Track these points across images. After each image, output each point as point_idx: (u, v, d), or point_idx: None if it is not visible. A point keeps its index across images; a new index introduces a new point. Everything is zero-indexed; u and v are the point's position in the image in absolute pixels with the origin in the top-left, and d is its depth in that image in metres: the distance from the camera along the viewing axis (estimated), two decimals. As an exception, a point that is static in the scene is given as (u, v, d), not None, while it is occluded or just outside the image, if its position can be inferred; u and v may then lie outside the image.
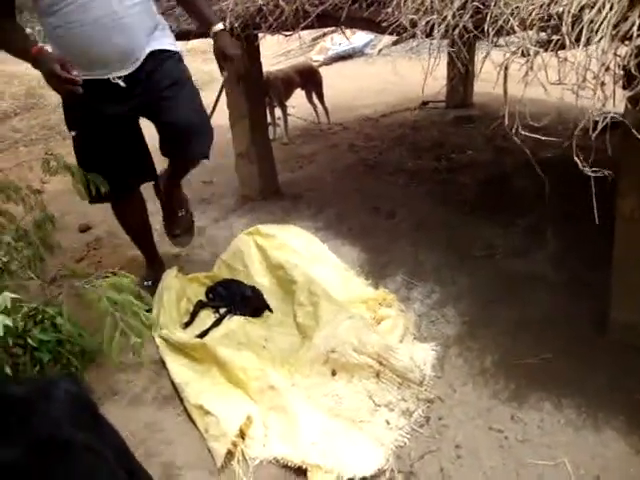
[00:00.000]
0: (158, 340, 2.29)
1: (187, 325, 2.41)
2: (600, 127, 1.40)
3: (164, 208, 2.76)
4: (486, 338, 2.21)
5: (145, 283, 2.59)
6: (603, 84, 1.47)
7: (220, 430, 1.85)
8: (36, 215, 2.01)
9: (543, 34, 1.65)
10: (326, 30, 6.93)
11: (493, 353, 2.13)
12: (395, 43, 2.29)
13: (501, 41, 1.84)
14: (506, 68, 1.65)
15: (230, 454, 1.80)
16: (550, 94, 1.60)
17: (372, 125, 4.62)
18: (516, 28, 1.68)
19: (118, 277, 1.77)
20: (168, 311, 2.42)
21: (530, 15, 1.66)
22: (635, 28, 1.31)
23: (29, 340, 1.34)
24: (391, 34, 2.09)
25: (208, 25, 2.27)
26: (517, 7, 1.71)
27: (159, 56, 2.25)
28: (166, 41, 2.30)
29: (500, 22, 1.73)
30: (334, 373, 2.05)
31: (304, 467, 1.72)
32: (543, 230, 2.82)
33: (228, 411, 1.92)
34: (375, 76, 5.76)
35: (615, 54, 1.43)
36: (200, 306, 2.47)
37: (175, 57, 2.31)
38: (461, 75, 4.42)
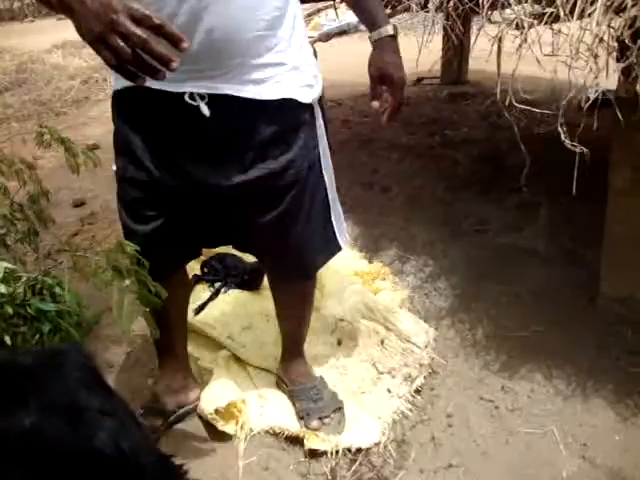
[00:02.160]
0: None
1: (183, 300, 2.42)
2: (591, 101, 1.41)
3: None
4: (478, 311, 2.23)
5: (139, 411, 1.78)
6: (597, 56, 1.48)
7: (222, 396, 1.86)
8: (30, 189, 2.00)
9: (537, 6, 1.66)
10: (320, 6, 6.88)
11: (485, 325, 2.16)
12: (389, 17, 2.28)
13: (496, 16, 1.84)
14: (500, 40, 1.66)
15: (234, 420, 1.80)
16: (544, 69, 1.62)
17: (366, 101, 4.56)
18: (511, 0, 1.68)
19: (121, 244, 1.75)
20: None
21: (525, -13, 1.66)
22: (629, -1, 1.32)
23: (29, 310, 1.35)
24: (385, 7, 2.09)
25: (371, 25, 1.47)
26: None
27: (281, 116, 1.38)
28: (298, 77, 1.39)
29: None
30: (340, 343, 2.08)
31: (301, 435, 1.73)
32: (536, 205, 2.85)
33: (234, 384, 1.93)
34: (370, 52, 5.66)
35: (609, 26, 1.44)
36: (195, 280, 2.48)
37: (308, 122, 1.44)
38: (456, 52, 4.40)
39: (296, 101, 1.38)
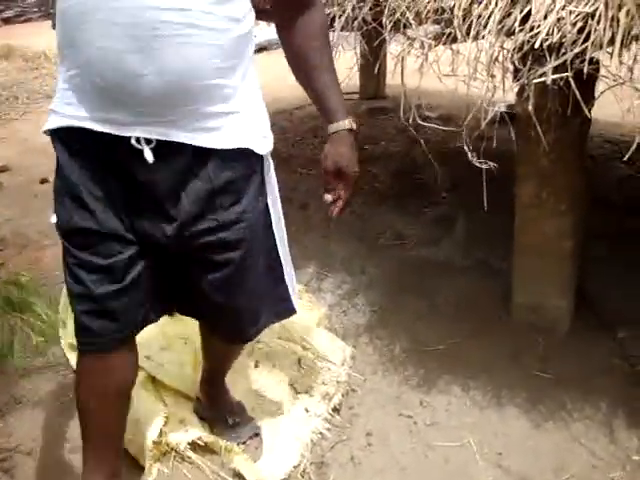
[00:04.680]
0: (67, 348, 2.19)
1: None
2: (489, 118, 1.45)
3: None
4: (396, 326, 2.25)
5: None
6: (493, 75, 1.53)
7: (140, 429, 1.79)
8: None
9: (437, 27, 1.70)
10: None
11: (403, 340, 2.18)
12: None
13: (411, 33, 1.87)
14: (402, 59, 1.69)
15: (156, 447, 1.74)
16: (447, 87, 1.66)
17: (286, 118, 4.61)
18: (412, 21, 1.72)
19: (17, 275, 1.69)
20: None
21: (425, 8, 1.70)
22: (517, 24, 1.37)
23: None
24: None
25: (329, 116, 1.38)
26: (413, 0, 1.75)
27: (234, 165, 1.31)
28: (253, 127, 1.34)
29: (397, 15, 1.77)
30: (257, 365, 2.06)
31: (229, 448, 1.71)
32: (453, 219, 2.91)
33: (147, 413, 1.86)
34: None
35: (502, 47, 1.49)
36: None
37: (258, 173, 1.37)
38: (372, 67, 4.47)
39: (251, 151, 1.32)
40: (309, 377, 1.99)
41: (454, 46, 1.64)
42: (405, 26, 1.73)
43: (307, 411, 1.88)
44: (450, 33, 1.60)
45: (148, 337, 2.08)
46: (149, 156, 1.22)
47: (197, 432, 1.77)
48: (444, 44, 1.60)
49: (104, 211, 1.29)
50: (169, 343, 2.09)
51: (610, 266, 2.42)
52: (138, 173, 1.26)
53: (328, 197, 1.41)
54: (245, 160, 1.33)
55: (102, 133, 1.22)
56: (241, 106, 1.29)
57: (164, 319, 2.19)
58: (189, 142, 1.24)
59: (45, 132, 1.32)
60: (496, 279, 2.42)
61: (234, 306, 1.45)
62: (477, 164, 1.59)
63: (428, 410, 1.90)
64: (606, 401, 1.88)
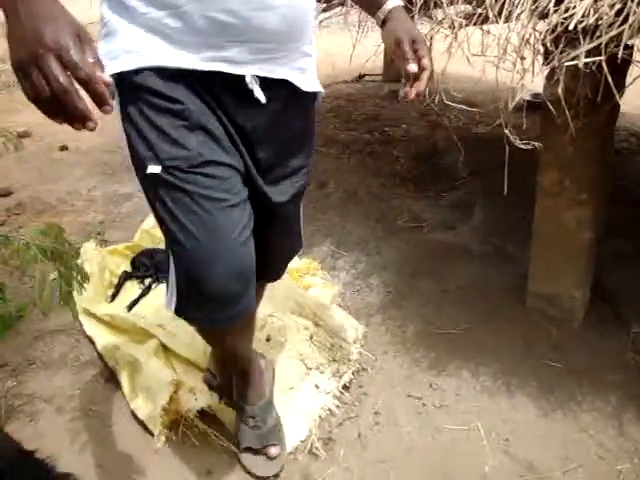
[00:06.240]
0: (81, 312, 2.20)
1: (113, 298, 2.34)
2: (516, 100, 1.43)
3: None
4: (409, 308, 2.25)
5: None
6: (523, 58, 1.51)
7: (150, 396, 1.81)
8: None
9: (468, 6, 1.67)
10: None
11: (415, 323, 2.18)
12: (325, 10, 2.28)
13: (439, 13, 1.85)
14: (431, 39, 1.67)
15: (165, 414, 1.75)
16: (475, 69, 1.63)
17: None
18: (443, 0, 1.69)
19: (46, 225, 1.66)
20: (92, 284, 2.33)
21: (457, -13, 1.68)
22: (551, 5, 1.34)
23: (-58, 303, 1.26)
24: (319, 0, 2.08)
25: (377, 2, 1.30)
26: (444, -21, 1.72)
27: (309, 111, 1.35)
28: (314, 73, 1.34)
29: (428, -7, 1.74)
30: (268, 339, 2.06)
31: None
32: (471, 204, 2.89)
33: (158, 381, 1.88)
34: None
35: (534, 29, 1.47)
36: (125, 277, 2.40)
37: (315, 124, 1.42)
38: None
39: (318, 95, 1.35)
40: (320, 354, 1.99)
41: (484, 27, 1.62)
42: (436, 4, 1.70)
43: (317, 387, 1.89)
44: (481, 13, 1.57)
45: (162, 306, 2.10)
46: (260, 95, 1.19)
47: (206, 401, 1.79)
48: (474, 24, 1.58)
49: (224, 140, 1.21)
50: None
51: (631, 261, 2.40)
52: (237, 116, 1.22)
53: (413, 66, 1.19)
54: (313, 107, 1.36)
55: (202, 74, 1.14)
56: (313, 51, 1.30)
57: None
58: (291, 80, 1.23)
59: (114, 75, 1.12)
60: (512, 266, 2.41)
61: (286, 245, 1.53)
62: (520, 145, 1.55)
63: (437, 393, 1.90)
64: (617, 394, 1.87)
